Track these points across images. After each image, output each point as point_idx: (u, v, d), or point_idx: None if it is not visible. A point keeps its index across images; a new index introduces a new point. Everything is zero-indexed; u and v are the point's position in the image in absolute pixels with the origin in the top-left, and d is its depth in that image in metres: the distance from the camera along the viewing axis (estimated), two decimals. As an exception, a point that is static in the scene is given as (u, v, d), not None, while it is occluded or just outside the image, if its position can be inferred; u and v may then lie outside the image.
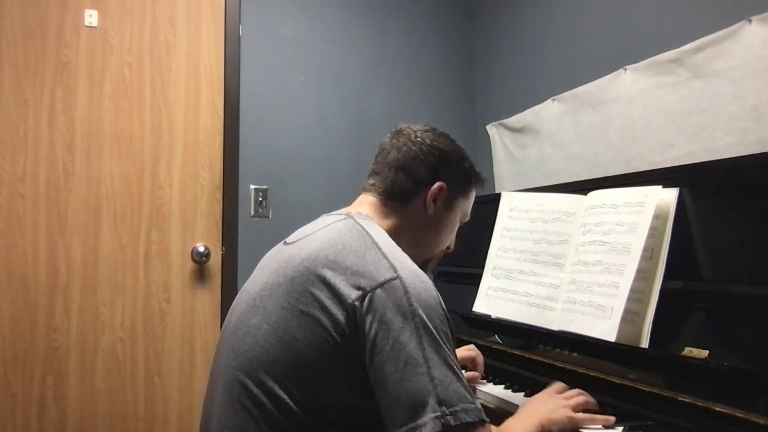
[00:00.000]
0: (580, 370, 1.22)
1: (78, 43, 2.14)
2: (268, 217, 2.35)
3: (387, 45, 2.61)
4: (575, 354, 1.28)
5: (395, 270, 0.91)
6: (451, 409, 0.82)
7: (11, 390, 2.01)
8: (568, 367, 1.25)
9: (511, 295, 1.50)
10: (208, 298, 2.25)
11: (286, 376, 0.90)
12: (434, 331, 0.87)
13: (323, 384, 0.90)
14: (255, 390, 0.92)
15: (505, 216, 1.62)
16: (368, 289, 0.88)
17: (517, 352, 1.42)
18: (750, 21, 1.47)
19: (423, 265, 1.13)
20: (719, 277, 1.14)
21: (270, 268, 1.02)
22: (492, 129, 2.58)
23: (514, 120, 2.41)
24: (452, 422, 0.81)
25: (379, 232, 1.01)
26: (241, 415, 0.92)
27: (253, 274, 1.09)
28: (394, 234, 1.06)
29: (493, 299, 1.55)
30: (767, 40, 1.43)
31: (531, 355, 1.38)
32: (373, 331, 0.86)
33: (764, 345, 0.98)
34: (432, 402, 0.82)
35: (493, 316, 1.53)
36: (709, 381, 0.99)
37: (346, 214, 1.06)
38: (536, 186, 2.12)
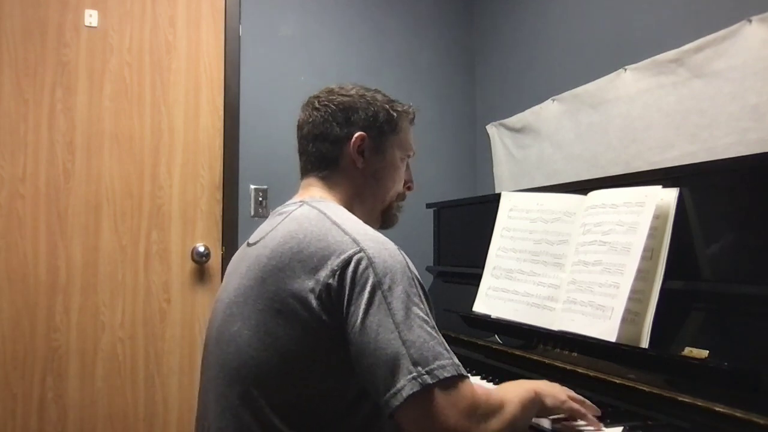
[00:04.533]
0: (580, 370, 1.22)
1: (78, 43, 2.14)
2: (268, 217, 2.35)
3: (387, 45, 2.61)
4: (575, 354, 1.28)
5: (358, 243, 0.90)
6: (426, 368, 0.83)
7: (11, 390, 2.01)
8: (568, 367, 1.25)
9: (511, 295, 1.50)
10: (208, 298, 2.25)
11: (275, 378, 0.90)
12: (403, 296, 0.87)
13: (312, 378, 0.90)
14: (247, 398, 0.91)
15: (505, 216, 1.62)
16: (336, 268, 0.88)
17: (517, 352, 1.42)
18: (750, 21, 1.47)
19: (385, 215, 1.14)
20: (719, 277, 1.14)
21: (239, 272, 1.01)
22: (492, 129, 2.58)
23: (514, 120, 2.41)
24: (429, 380, 0.82)
25: (335, 209, 1.00)
26: (235, 424, 0.92)
27: (224, 282, 1.08)
28: (347, 201, 1.07)
29: (493, 299, 1.55)
30: (767, 40, 1.43)
31: (531, 355, 1.37)
32: (345, 307, 0.87)
33: (764, 345, 0.98)
34: (406, 364, 0.83)
35: (493, 316, 1.53)
36: (709, 381, 0.99)
37: (300, 202, 1.05)
38: (536, 186, 2.12)
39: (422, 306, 0.89)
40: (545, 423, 1.07)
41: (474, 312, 1.58)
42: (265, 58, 2.39)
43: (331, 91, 1.12)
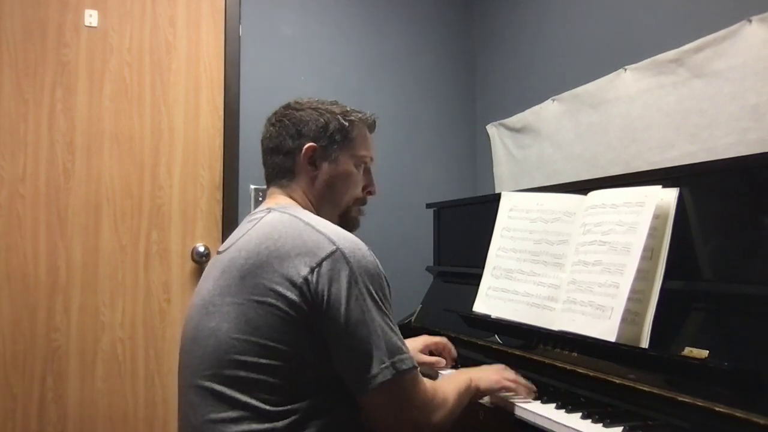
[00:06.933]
0: (580, 370, 1.22)
1: (78, 43, 2.14)
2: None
3: (387, 45, 2.61)
4: (575, 354, 1.28)
5: (334, 242, 0.97)
6: (392, 360, 0.95)
7: (11, 390, 2.01)
8: (568, 367, 1.25)
9: (511, 295, 1.50)
10: (208, 298, 2.24)
11: (254, 362, 0.94)
12: (374, 293, 0.97)
13: (290, 363, 0.95)
14: (228, 381, 0.95)
15: (505, 216, 1.62)
16: (314, 264, 0.95)
17: (517, 352, 1.42)
18: (750, 21, 1.47)
19: (344, 219, 1.19)
20: (719, 277, 1.14)
21: (212, 276, 1.05)
22: (492, 129, 2.58)
23: (514, 120, 2.41)
24: (394, 371, 0.94)
25: (305, 213, 1.07)
26: (217, 408, 0.94)
27: (197, 288, 1.10)
28: (307, 206, 1.13)
29: (493, 299, 1.55)
30: (767, 40, 1.43)
31: (531, 355, 1.37)
32: (325, 301, 0.94)
33: (764, 345, 0.98)
34: (379, 355, 0.94)
35: (493, 316, 1.53)
36: (709, 381, 0.99)
37: (267, 209, 1.11)
38: (536, 186, 2.12)
39: (386, 305, 0.99)
40: (485, 398, 1.22)
41: (474, 312, 1.58)
42: (265, 58, 2.39)
43: (287, 106, 1.20)
